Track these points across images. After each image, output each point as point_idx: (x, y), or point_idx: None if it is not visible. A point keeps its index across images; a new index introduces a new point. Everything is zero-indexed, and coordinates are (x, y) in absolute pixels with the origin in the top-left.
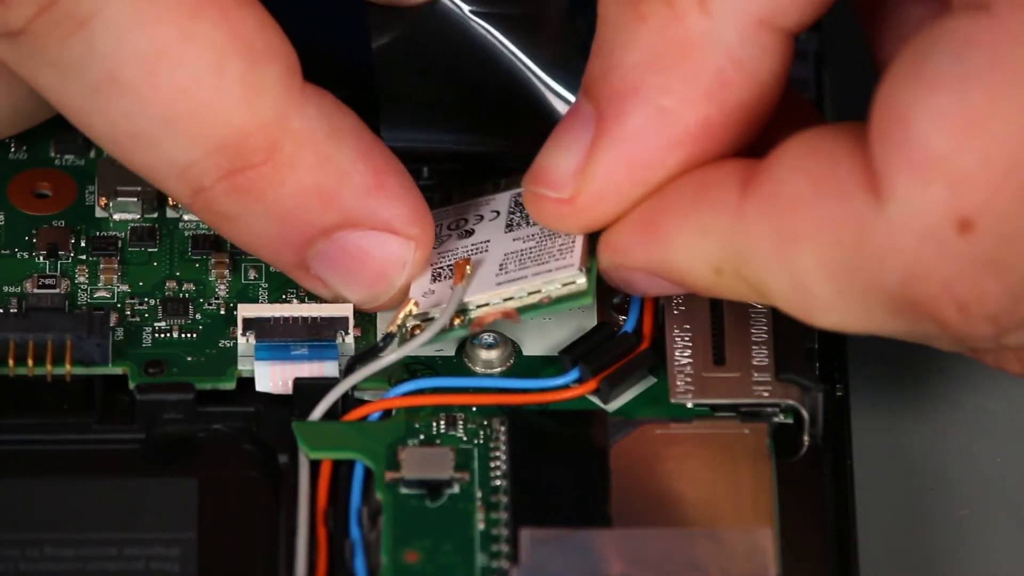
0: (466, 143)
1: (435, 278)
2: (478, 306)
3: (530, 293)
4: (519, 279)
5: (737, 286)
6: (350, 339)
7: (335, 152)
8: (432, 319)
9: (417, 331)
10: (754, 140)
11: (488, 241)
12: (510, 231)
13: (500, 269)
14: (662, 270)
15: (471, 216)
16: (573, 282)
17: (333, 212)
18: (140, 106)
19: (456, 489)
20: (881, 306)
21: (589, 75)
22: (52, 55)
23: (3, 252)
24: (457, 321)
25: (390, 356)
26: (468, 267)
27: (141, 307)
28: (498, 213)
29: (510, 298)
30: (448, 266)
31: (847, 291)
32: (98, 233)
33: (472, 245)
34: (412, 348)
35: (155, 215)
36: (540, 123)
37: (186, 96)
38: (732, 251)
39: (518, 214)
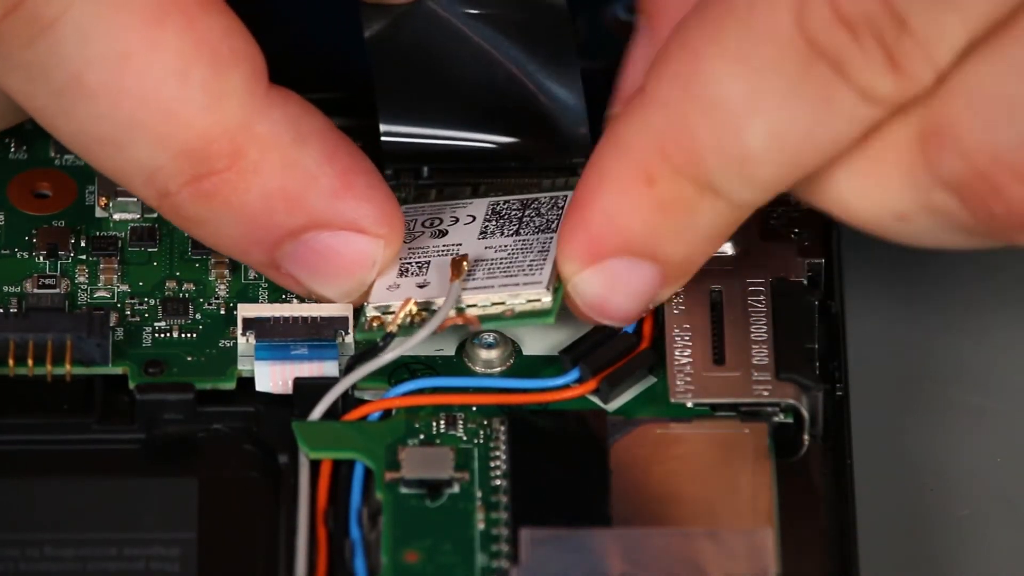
0: (466, 141)
1: (402, 273)
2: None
3: (494, 303)
4: (485, 288)
5: None
6: (350, 339)
7: (300, 156)
8: (392, 311)
9: (376, 323)
10: None
11: (459, 245)
12: (483, 238)
13: (468, 275)
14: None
15: (446, 216)
16: (538, 299)
17: (300, 215)
18: (105, 110)
19: (456, 489)
20: (795, 78)
21: None
22: (18, 57)
23: (3, 252)
24: (419, 319)
25: (387, 355)
26: (465, 264)
27: (141, 307)
28: (474, 218)
29: (473, 305)
30: (417, 262)
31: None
32: (98, 233)
33: (443, 246)
34: (410, 346)
35: (155, 215)
36: (539, 121)
37: (150, 101)
38: None
39: (493, 223)
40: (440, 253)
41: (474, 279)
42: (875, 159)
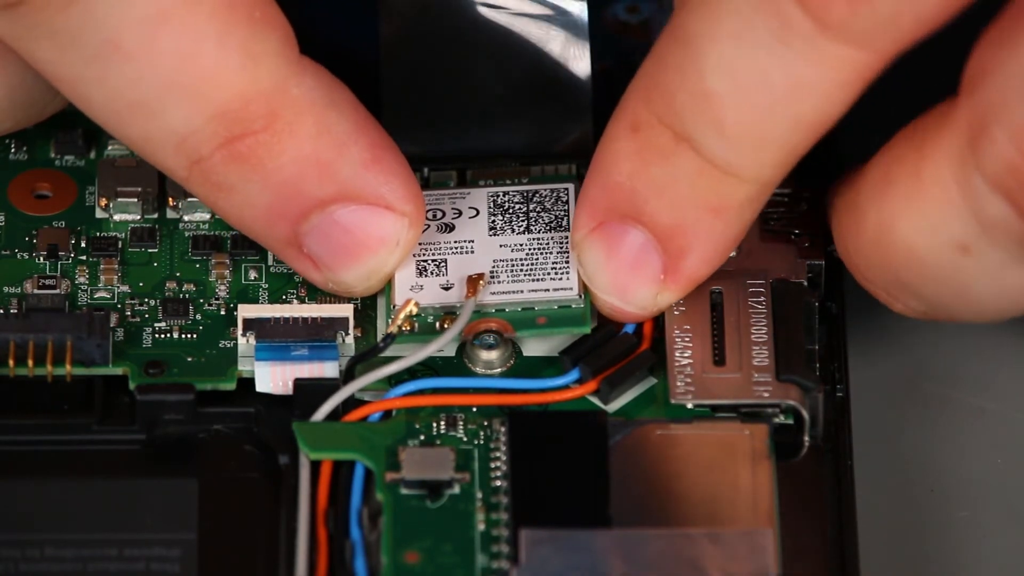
0: (468, 143)
1: (421, 272)
2: (472, 312)
3: (524, 308)
4: (514, 292)
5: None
6: (350, 339)
7: (334, 122)
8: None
9: (407, 327)
10: None
11: (472, 242)
12: (495, 235)
13: (492, 277)
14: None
15: (448, 209)
16: (570, 306)
17: (330, 184)
18: (140, 73)
19: (456, 490)
20: (750, 7)
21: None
22: (51, 25)
23: (3, 253)
24: (447, 323)
25: (398, 363)
26: (482, 282)
27: (141, 308)
28: (477, 212)
29: (502, 309)
30: (434, 260)
31: None
32: (98, 234)
33: (455, 242)
34: (422, 356)
35: (155, 216)
36: (544, 123)
37: (187, 63)
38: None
39: (500, 217)
40: (455, 251)
41: (499, 281)
42: (929, 183)
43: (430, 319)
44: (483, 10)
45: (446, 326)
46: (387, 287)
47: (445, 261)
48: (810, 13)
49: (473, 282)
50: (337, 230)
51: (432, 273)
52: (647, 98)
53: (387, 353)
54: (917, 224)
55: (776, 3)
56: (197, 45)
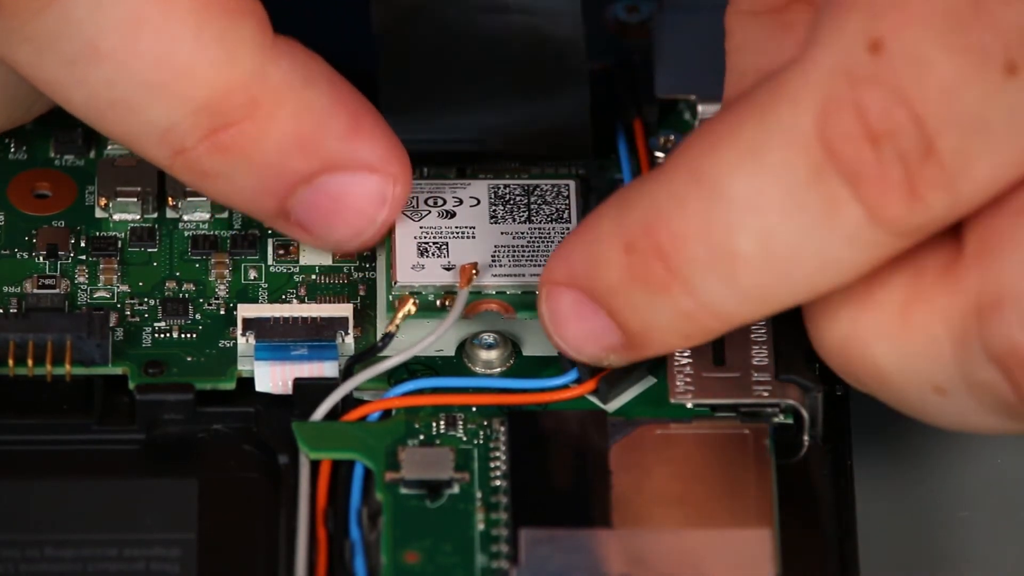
0: (467, 143)
1: (422, 252)
2: (472, 293)
3: (524, 292)
4: (516, 275)
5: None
6: (350, 339)
7: (313, 99)
8: (418, 291)
9: (410, 303)
10: None
11: (473, 228)
12: (495, 223)
13: (493, 260)
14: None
15: (448, 197)
16: None
17: (314, 159)
18: (120, 74)
19: (456, 489)
20: (802, 185)
21: None
22: (27, 29)
23: (3, 252)
24: (448, 302)
25: (394, 358)
26: (475, 271)
27: (141, 307)
28: (478, 201)
29: (503, 292)
30: (435, 243)
31: None
32: (98, 233)
33: (457, 228)
34: (417, 350)
35: (155, 215)
36: (542, 125)
37: (166, 60)
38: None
39: (500, 207)
40: (456, 235)
41: (501, 265)
42: (919, 329)
43: (431, 297)
44: (479, 11)
45: (447, 304)
46: (387, 265)
47: (447, 244)
48: (863, 203)
49: (466, 271)
50: (324, 199)
51: (433, 254)
52: (649, 229)
53: (386, 352)
54: (894, 358)
55: (829, 187)
56: (175, 44)
